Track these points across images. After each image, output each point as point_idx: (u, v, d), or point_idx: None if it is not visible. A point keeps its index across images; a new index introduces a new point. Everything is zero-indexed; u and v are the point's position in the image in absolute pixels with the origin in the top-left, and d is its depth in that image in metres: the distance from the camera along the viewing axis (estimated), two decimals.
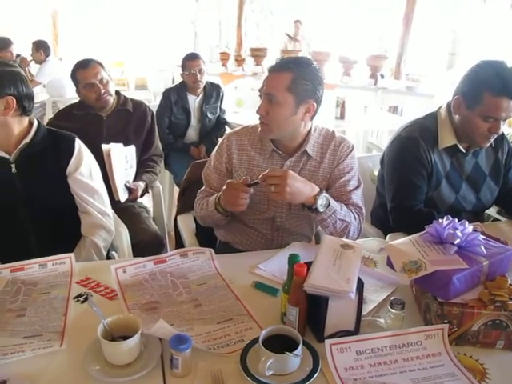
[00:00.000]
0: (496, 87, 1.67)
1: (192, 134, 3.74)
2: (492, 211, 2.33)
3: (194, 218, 2.12)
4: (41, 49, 5.50)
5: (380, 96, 5.99)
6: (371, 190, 2.26)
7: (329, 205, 1.58)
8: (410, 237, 1.38)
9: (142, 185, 2.48)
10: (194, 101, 3.67)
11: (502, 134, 2.04)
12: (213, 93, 3.74)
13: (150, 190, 2.64)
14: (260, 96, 1.67)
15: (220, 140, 1.84)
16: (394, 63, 6.61)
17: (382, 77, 6.21)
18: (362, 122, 4.40)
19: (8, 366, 1.05)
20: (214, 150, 1.83)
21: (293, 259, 1.19)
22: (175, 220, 2.18)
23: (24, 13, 8.88)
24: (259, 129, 1.69)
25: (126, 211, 2.35)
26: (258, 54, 6.68)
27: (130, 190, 2.40)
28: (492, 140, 1.83)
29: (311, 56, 6.67)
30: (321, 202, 1.56)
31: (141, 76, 7.80)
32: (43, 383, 1.01)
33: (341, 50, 7.17)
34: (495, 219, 2.34)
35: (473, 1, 6.47)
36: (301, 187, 1.52)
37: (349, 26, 9.16)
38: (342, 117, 4.17)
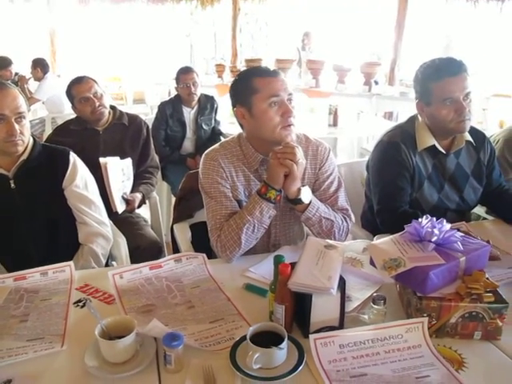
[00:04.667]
0: (435, 74, 1.85)
1: (188, 145, 3.83)
2: (481, 211, 2.39)
3: (190, 227, 2.19)
4: (38, 66, 5.62)
5: (375, 102, 6.07)
6: (362, 194, 2.32)
7: (311, 202, 1.66)
8: (392, 236, 1.44)
9: (139, 196, 2.56)
10: (188, 113, 3.76)
11: (484, 135, 2.13)
12: (207, 104, 3.82)
13: (147, 201, 2.71)
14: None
15: (205, 163, 1.77)
16: (388, 69, 6.70)
17: (377, 83, 6.28)
18: (355, 129, 4.48)
19: (12, 367, 1.12)
20: (207, 178, 1.74)
21: (278, 259, 1.26)
22: (172, 229, 2.24)
23: (23, 32, 9.03)
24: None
25: (125, 221, 2.43)
26: (252, 65, 6.76)
27: (127, 202, 2.48)
28: (468, 121, 1.88)
29: (306, 64, 6.77)
30: (304, 193, 1.63)
31: (138, 90, 7.91)
32: (45, 381, 1.08)
33: (334, 58, 7.28)
34: (484, 219, 2.40)
35: (464, 6, 6.54)
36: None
37: (341, 33, 9.28)
38: (334, 124, 4.25)
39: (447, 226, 1.39)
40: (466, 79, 1.83)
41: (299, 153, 1.58)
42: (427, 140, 1.95)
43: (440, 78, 1.83)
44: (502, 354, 1.21)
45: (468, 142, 2.02)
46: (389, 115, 6.42)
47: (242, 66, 7.15)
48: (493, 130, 2.16)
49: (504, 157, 2.36)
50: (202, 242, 2.05)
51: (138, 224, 2.51)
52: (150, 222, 2.70)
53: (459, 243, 1.34)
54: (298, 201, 1.64)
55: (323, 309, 1.24)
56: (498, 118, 5.01)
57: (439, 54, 7.14)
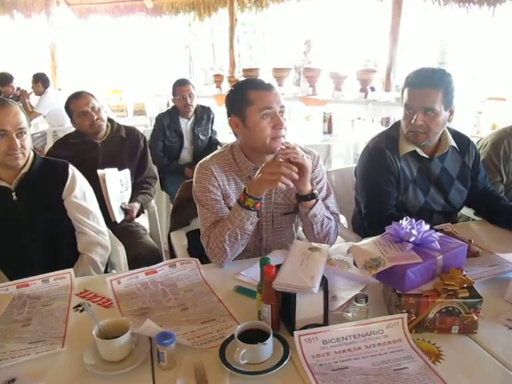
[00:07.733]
0: (410, 82, 1.99)
1: (186, 155, 3.91)
2: (470, 213, 2.45)
3: (186, 234, 2.27)
4: (39, 81, 5.72)
5: (371, 108, 6.14)
6: (353, 199, 2.39)
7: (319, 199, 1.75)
8: (374, 238, 1.52)
9: (137, 205, 2.64)
10: (185, 124, 3.85)
11: (468, 139, 2.20)
12: (204, 115, 3.91)
13: (145, 210, 2.80)
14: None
15: (198, 172, 1.87)
16: (384, 76, 6.78)
17: (373, 89, 6.35)
18: (350, 136, 4.56)
19: (16, 367, 1.20)
20: (200, 186, 1.83)
21: (263, 261, 1.34)
22: (169, 236, 2.32)
23: (24, 47, 9.18)
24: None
25: (124, 230, 2.51)
26: (250, 75, 6.87)
27: (125, 211, 2.56)
28: (417, 130, 1.97)
29: (303, 73, 6.86)
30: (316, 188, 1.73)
31: (139, 102, 8.01)
32: (47, 379, 1.16)
33: (331, 65, 7.37)
34: (474, 220, 2.47)
35: (457, 11, 6.63)
36: None
37: (337, 41, 9.38)
38: (329, 131, 4.33)
39: (426, 226, 1.46)
40: (426, 94, 1.91)
41: (301, 152, 1.64)
42: (408, 146, 2.03)
43: (404, 87, 2.01)
44: (478, 346, 1.27)
45: (452, 146, 2.10)
46: (386, 121, 6.47)
47: (240, 76, 7.25)
48: (486, 133, 2.21)
49: (491, 160, 2.43)
50: (197, 248, 2.12)
51: (137, 233, 2.59)
52: (148, 231, 2.77)
53: (436, 243, 1.41)
54: (311, 196, 1.72)
55: (308, 307, 1.31)
56: (492, 121, 5.07)
57: (434, 59, 7.23)
